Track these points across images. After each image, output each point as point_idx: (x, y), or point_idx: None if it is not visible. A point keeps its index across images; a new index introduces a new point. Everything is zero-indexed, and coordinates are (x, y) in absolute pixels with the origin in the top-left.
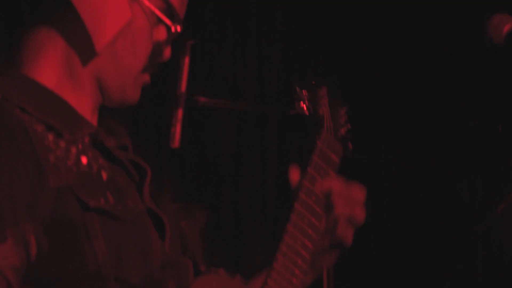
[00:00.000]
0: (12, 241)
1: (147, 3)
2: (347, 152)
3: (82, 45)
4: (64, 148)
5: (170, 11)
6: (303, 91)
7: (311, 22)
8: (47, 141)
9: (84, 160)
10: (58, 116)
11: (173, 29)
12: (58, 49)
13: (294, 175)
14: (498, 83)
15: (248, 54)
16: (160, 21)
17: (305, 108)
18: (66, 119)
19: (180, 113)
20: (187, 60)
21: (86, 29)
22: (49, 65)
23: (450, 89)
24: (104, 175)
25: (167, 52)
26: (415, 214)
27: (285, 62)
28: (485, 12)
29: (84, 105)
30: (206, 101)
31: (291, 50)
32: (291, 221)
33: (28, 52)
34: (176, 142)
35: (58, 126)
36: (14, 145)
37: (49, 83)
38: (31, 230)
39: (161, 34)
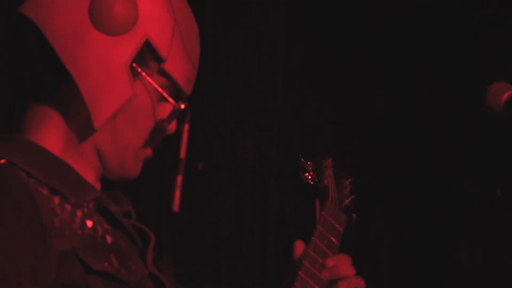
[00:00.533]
0: None
1: (150, 80)
2: (351, 222)
3: (82, 120)
4: (69, 211)
5: (174, 88)
6: (308, 162)
7: (312, 88)
8: (52, 205)
9: (89, 223)
10: (63, 180)
11: (176, 107)
12: (60, 121)
13: (299, 247)
14: (497, 150)
15: (248, 121)
16: (163, 98)
17: (309, 178)
18: (72, 183)
19: (179, 179)
20: (186, 127)
21: (86, 104)
22: (53, 134)
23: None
24: (109, 239)
25: (171, 127)
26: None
27: (286, 128)
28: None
29: (87, 173)
30: (206, 166)
31: (292, 115)
32: None
33: (32, 121)
34: (176, 206)
35: (64, 190)
36: (19, 208)
37: (53, 149)
38: None
39: (164, 111)
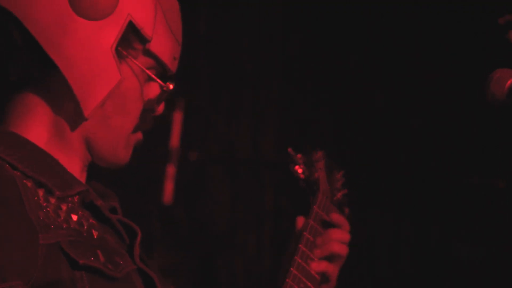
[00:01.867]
0: None
1: (136, 62)
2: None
3: (70, 109)
4: (54, 204)
5: (161, 67)
6: (298, 154)
7: (307, 82)
8: (37, 198)
9: (74, 217)
10: (48, 174)
11: (165, 88)
12: (46, 111)
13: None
14: (500, 138)
15: (243, 112)
16: (151, 78)
17: (300, 171)
18: (57, 176)
19: (172, 169)
20: (179, 116)
21: (74, 94)
22: (38, 125)
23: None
24: (95, 234)
25: (161, 108)
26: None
27: (281, 119)
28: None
29: (73, 164)
30: (200, 157)
31: (287, 106)
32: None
33: (16, 113)
34: (168, 198)
35: (49, 183)
36: (5, 201)
37: (38, 141)
38: (18, 286)
39: (151, 91)
